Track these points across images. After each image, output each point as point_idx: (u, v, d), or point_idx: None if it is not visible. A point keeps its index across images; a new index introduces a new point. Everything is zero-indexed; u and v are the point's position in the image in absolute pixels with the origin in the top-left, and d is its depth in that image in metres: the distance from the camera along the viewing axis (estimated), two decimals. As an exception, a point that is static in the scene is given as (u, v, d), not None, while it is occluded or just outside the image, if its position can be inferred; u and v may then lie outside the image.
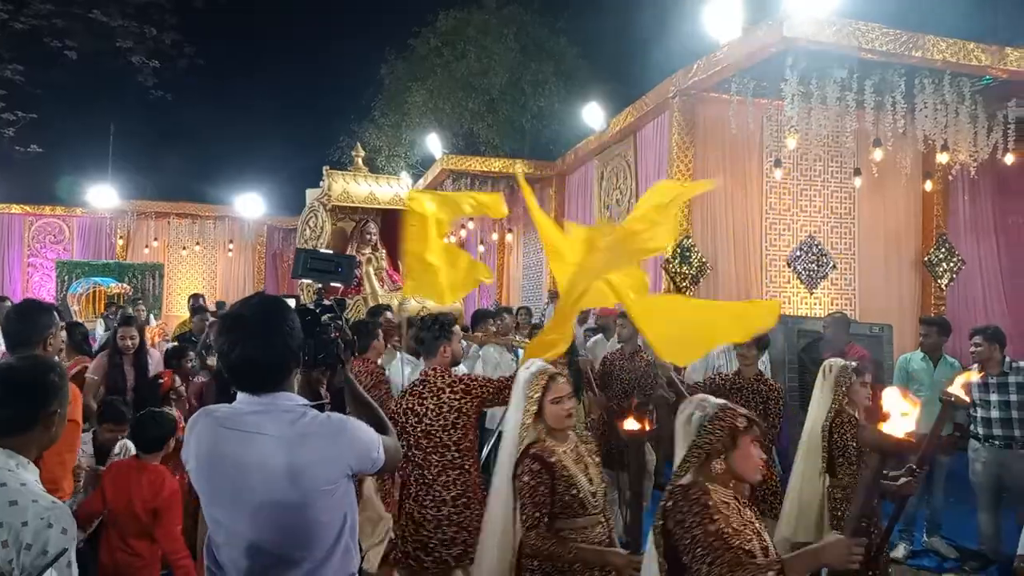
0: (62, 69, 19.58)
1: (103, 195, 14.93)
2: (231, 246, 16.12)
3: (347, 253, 8.10)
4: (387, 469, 2.04)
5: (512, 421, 2.76)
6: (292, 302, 2.27)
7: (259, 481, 1.77)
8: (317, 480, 1.80)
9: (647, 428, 2.63)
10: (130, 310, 7.75)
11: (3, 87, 19.11)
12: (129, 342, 5.07)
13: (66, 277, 13.58)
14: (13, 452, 1.73)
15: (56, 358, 2.87)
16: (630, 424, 2.60)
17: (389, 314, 5.51)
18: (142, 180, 17.90)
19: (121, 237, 15.59)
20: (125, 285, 13.20)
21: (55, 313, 2.97)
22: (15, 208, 15.49)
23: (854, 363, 3.91)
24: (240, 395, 1.87)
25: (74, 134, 19.35)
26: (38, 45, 19.26)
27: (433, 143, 14.64)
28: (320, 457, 1.80)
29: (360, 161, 8.66)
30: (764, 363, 5.68)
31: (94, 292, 13.08)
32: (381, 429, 2.05)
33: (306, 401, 1.89)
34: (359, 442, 1.90)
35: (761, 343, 4.46)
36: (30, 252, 15.54)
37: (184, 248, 15.89)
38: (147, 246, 15.69)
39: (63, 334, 3.45)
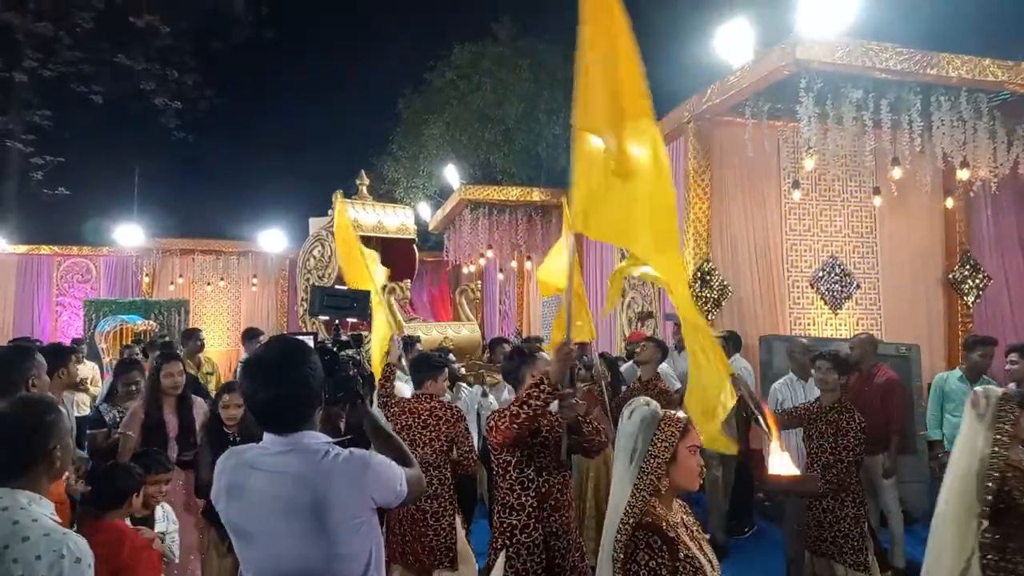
0: (88, 113, 20.21)
1: (129, 234, 15.20)
2: (255, 281, 16.32)
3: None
4: (410, 500, 2.06)
5: (624, 477, 2.15)
6: (310, 340, 2.31)
7: (286, 519, 1.81)
8: (343, 516, 1.83)
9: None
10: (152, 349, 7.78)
11: (32, 132, 19.72)
12: (175, 380, 4.18)
13: (93, 316, 13.78)
14: (24, 491, 1.78)
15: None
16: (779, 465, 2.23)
17: (418, 345, 5.55)
18: (167, 218, 18.25)
19: (147, 275, 15.83)
20: (151, 322, 13.38)
21: (37, 355, 3.09)
22: (44, 249, 15.81)
23: (1013, 389, 3.46)
24: (266, 435, 1.92)
25: (100, 175, 19.84)
26: (65, 91, 19.91)
27: (451, 174, 14.80)
28: (345, 494, 1.84)
29: (365, 189, 8.54)
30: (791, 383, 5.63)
31: (121, 330, 13.27)
32: (403, 461, 2.08)
33: (329, 439, 1.94)
34: (382, 477, 1.93)
35: (841, 365, 4.06)
36: (58, 292, 15.81)
37: (208, 284, 16.10)
38: (172, 283, 15.91)
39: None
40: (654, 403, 2.21)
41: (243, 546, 1.90)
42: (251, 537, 1.87)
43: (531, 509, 3.10)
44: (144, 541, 2.88)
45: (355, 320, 3.55)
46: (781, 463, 2.20)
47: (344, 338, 2.57)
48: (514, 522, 3.11)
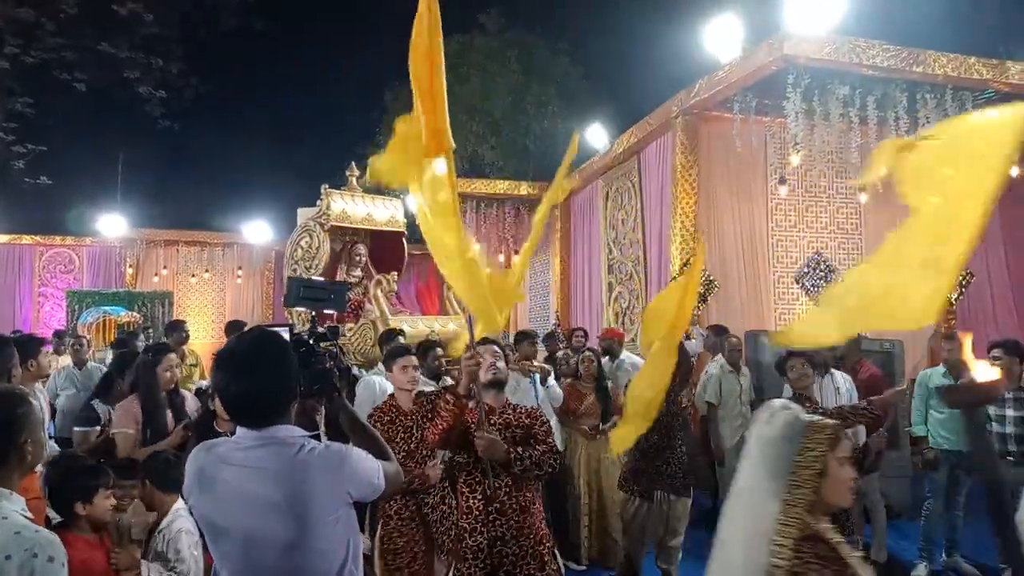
0: (71, 101, 19.88)
1: (113, 224, 15.03)
2: (240, 272, 16.18)
3: (336, 273, 8.03)
4: (388, 494, 2.03)
5: (767, 491, 1.89)
6: (285, 332, 2.27)
7: (261, 514, 1.78)
8: (318, 511, 1.80)
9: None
10: (139, 343, 7.70)
11: (13, 120, 19.39)
12: (173, 373, 4.03)
13: (76, 307, 13.64)
14: None
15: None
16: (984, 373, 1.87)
17: (401, 338, 5.50)
18: (151, 209, 18.04)
19: (131, 266, 15.65)
20: (135, 314, 13.25)
21: (11, 346, 3.05)
22: (26, 239, 15.61)
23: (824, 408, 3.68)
24: (239, 429, 1.88)
25: (83, 165, 19.58)
26: (48, 78, 19.57)
27: (439, 166, 14.70)
28: (320, 488, 1.81)
29: (354, 181, 8.41)
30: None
31: (104, 321, 13.14)
32: (381, 455, 2.06)
33: (305, 433, 1.90)
34: (359, 471, 1.91)
35: (814, 362, 4.19)
36: (41, 282, 15.61)
37: (193, 275, 15.95)
38: (156, 274, 15.74)
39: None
40: (795, 406, 1.97)
41: (216, 542, 1.86)
42: (225, 533, 1.83)
43: (478, 512, 3.03)
44: (97, 558, 2.61)
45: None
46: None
47: (321, 330, 2.53)
48: (464, 525, 3.05)
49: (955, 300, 8.39)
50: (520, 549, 3.03)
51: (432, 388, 4.84)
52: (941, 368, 5.35)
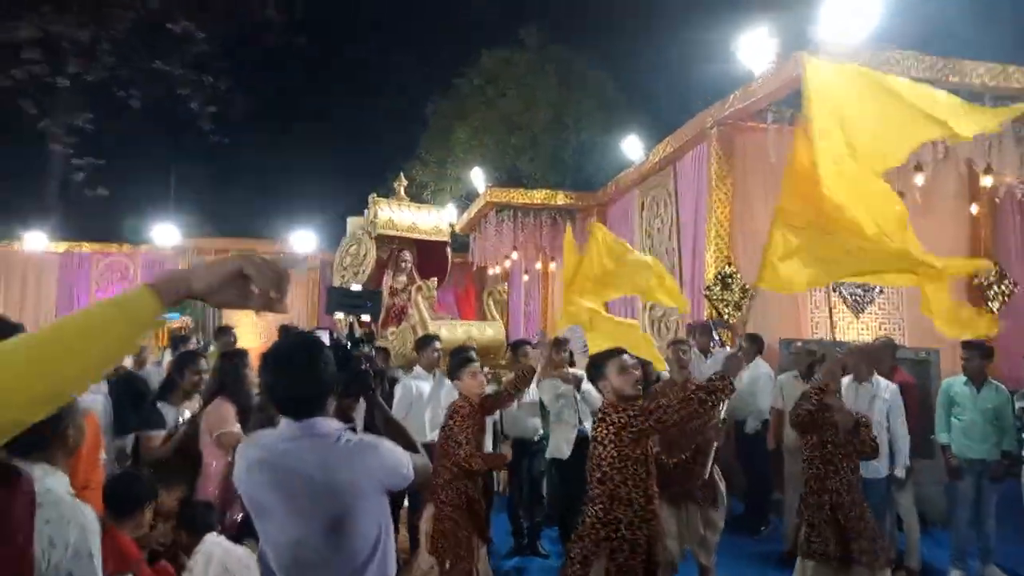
0: (127, 117, 20.79)
1: (166, 233, 15.67)
2: (286, 280, 16.67)
3: (383, 279, 8.33)
4: (418, 484, 2.23)
5: None
6: (325, 336, 2.50)
7: (302, 497, 1.98)
8: (353, 495, 2.00)
9: None
10: (192, 342, 8.05)
11: (75, 135, 20.35)
12: (197, 377, 4.24)
13: (131, 312, 14.23)
14: (40, 463, 1.91)
15: None
16: None
17: (438, 343, 5.72)
18: (202, 218, 18.71)
19: (182, 273, 16.28)
20: (186, 319, 13.79)
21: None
22: (85, 247, 16.36)
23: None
24: (283, 420, 2.10)
25: (138, 177, 20.41)
26: (106, 95, 20.51)
27: (477, 177, 15.02)
28: (355, 474, 2.01)
29: (402, 190, 8.72)
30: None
31: (156, 326, 13.68)
32: (410, 448, 2.26)
33: (342, 425, 2.12)
34: (389, 460, 2.10)
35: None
36: (98, 288, 16.33)
37: (241, 282, 16.47)
38: (207, 282, 16.31)
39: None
40: None
41: (261, 521, 2.08)
42: (269, 513, 2.04)
43: (638, 507, 3.11)
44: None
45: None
46: None
47: (357, 335, 2.75)
48: (619, 516, 3.10)
49: (997, 310, 8.29)
50: (661, 545, 3.16)
51: (428, 383, 5.30)
52: (962, 377, 5.35)
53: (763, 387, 6.41)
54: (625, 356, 3.27)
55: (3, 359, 1.02)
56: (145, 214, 17.22)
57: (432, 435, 4.86)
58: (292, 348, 2.13)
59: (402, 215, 8.24)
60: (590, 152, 17.35)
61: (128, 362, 7.63)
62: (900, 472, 4.99)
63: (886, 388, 5.00)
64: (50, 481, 1.90)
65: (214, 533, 3.08)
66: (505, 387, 4.45)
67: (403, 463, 2.13)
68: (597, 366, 3.29)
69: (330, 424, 2.08)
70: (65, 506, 1.82)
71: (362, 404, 3.34)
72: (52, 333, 1.07)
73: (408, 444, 2.29)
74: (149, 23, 19.98)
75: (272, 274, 1.18)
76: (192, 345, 8.06)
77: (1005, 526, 5.24)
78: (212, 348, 8.46)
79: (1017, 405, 5.19)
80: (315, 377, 2.06)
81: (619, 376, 3.21)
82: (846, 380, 5.33)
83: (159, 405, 4.11)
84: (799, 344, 6.22)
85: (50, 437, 1.99)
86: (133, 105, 20.83)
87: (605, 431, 3.17)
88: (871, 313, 8.21)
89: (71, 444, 2.07)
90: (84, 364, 1.07)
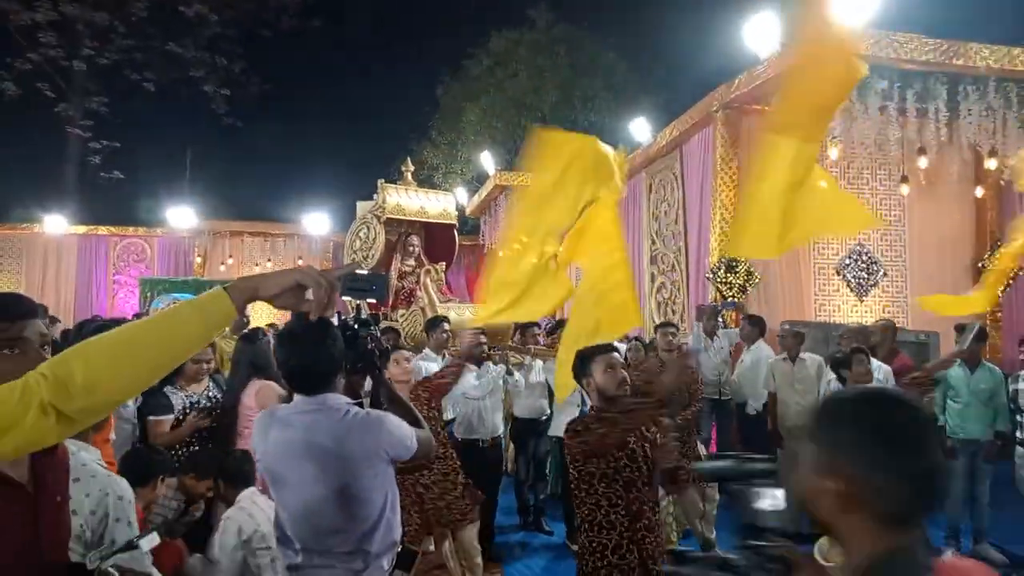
0: (142, 100, 21.04)
1: (182, 216, 15.87)
2: (300, 262, 16.83)
3: (392, 263, 8.47)
4: (421, 456, 2.39)
5: None
6: (334, 318, 2.65)
7: (313, 466, 2.16)
8: (360, 464, 2.17)
9: None
10: None
11: (90, 118, 20.63)
12: (204, 365, 4.20)
13: (148, 293, 14.50)
14: (73, 440, 2.01)
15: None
16: None
17: (447, 325, 5.87)
18: (217, 201, 18.92)
19: (199, 255, 16.52)
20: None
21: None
22: (102, 230, 16.61)
23: None
24: (296, 396, 2.28)
25: (154, 160, 20.69)
26: (120, 78, 20.76)
27: (487, 160, 15.12)
28: (362, 445, 2.18)
29: (409, 175, 8.81)
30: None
31: (174, 307, 13.94)
32: (415, 423, 2.42)
33: (350, 400, 2.29)
34: (395, 433, 2.27)
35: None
36: (115, 270, 16.60)
37: (257, 264, 16.70)
38: (223, 263, 16.55)
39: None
40: None
41: (277, 489, 2.27)
42: (284, 481, 2.23)
43: (622, 528, 2.80)
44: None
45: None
46: None
47: (364, 317, 2.90)
48: (604, 541, 2.81)
49: (1001, 292, 8.33)
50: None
51: (437, 364, 5.31)
52: (957, 359, 5.44)
53: (764, 370, 6.52)
54: (614, 354, 3.06)
55: (100, 350, 1.23)
56: (161, 197, 17.46)
57: (446, 415, 4.99)
58: (302, 328, 2.27)
59: (410, 200, 8.35)
60: (598, 133, 17.28)
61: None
62: None
63: (878, 369, 5.11)
64: (84, 456, 2.05)
65: (252, 488, 3.19)
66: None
67: (407, 435, 2.30)
68: (584, 360, 3.05)
69: (340, 399, 2.25)
70: (102, 478, 1.97)
71: (368, 384, 3.48)
72: (140, 329, 1.27)
73: (412, 420, 2.45)
74: (163, 5, 20.12)
75: (324, 286, 1.40)
76: None
77: (998, 505, 5.34)
78: (227, 329, 8.67)
79: (1011, 387, 5.28)
80: (324, 353, 2.23)
81: (603, 374, 2.96)
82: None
83: (167, 389, 4.01)
84: (787, 327, 6.32)
85: None
86: (148, 88, 21.08)
87: (567, 451, 2.96)
88: (875, 296, 8.29)
89: (100, 422, 2.25)
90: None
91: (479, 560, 4.39)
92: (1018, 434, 5.18)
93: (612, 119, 16.69)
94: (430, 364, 5.50)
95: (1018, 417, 5.14)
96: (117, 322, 4.75)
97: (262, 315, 11.31)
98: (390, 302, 8.01)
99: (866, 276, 8.27)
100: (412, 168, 8.94)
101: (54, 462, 1.62)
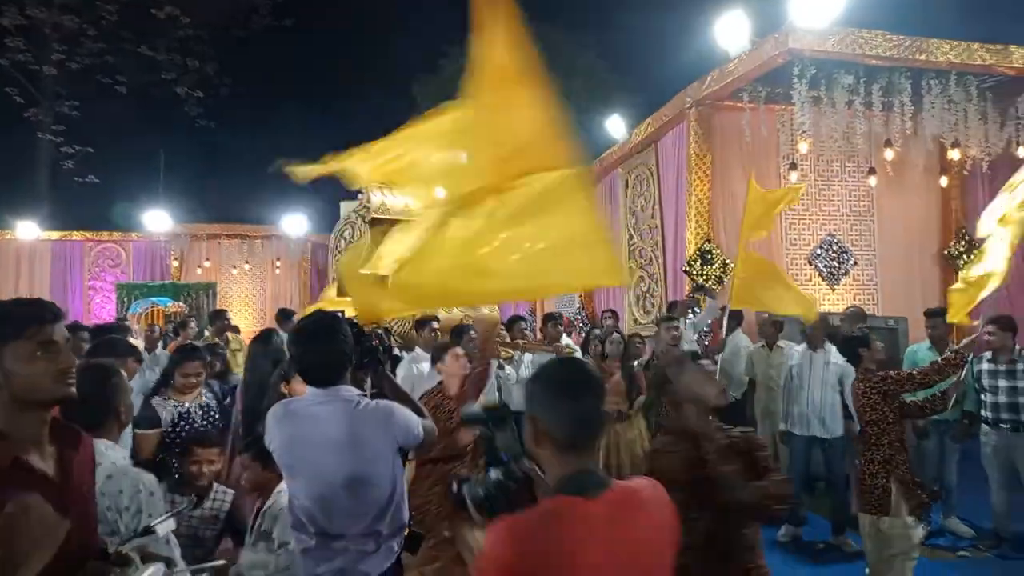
0: (114, 103, 20.76)
1: (157, 219, 15.75)
2: (279, 264, 16.83)
3: None
4: (426, 445, 2.53)
5: None
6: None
7: (327, 454, 2.29)
8: (371, 452, 2.31)
9: None
10: (191, 330, 8.23)
11: (61, 123, 20.35)
12: (193, 379, 3.92)
13: (125, 299, 14.42)
14: (102, 439, 2.15)
15: None
16: None
17: (435, 324, 5.96)
18: (193, 204, 18.75)
19: (175, 259, 16.41)
20: (181, 304, 14.00)
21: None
22: (76, 235, 16.42)
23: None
24: (309, 389, 2.41)
25: (128, 163, 20.41)
26: (91, 82, 20.48)
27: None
28: (373, 434, 2.33)
29: None
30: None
31: (152, 312, 13.91)
32: (418, 414, 2.56)
33: (361, 392, 2.43)
34: (403, 422, 2.41)
35: None
36: (91, 276, 16.42)
37: (234, 267, 16.64)
38: (200, 266, 16.47)
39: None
40: None
41: (291, 477, 2.39)
42: (298, 469, 2.35)
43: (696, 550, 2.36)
44: None
45: None
46: None
47: None
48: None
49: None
50: None
51: (428, 363, 4.97)
52: (926, 343, 5.67)
53: (742, 358, 6.74)
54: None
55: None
56: (136, 201, 17.27)
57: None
58: (316, 324, 2.44)
59: (394, 199, 8.41)
60: (574, 130, 17.51)
61: (139, 343, 7.91)
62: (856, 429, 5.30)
63: (838, 353, 5.17)
64: (112, 454, 2.17)
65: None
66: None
67: (415, 424, 2.44)
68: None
69: (351, 391, 2.39)
70: (132, 475, 2.09)
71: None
72: None
73: (415, 410, 2.59)
74: (133, 7, 19.89)
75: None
76: (191, 329, 8.33)
77: (965, 480, 5.59)
78: (207, 333, 8.70)
79: (976, 367, 5.51)
80: (336, 348, 2.37)
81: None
82: (801, 347, 5.70)
83: (154, 401, 3.81)
84: (765, 316, 6.52)
85: (108, 414, 2.25)
86: (119, 91, 20.83)
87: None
88: (846, 284, 8.54)
89: (124, 420, 2.34)
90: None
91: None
92: (983, 413, 5.39)
93: (587, 116, 16.85)
94: (423, 365, 5.53)
95: (983, 397, 5.36)
96: (103, 328, 4.70)
97: (264, 319, 11.34)
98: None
99: (837, 265, 8.52)
100: (394, 167, 8.98)
101: (80, 456, 1.72)
